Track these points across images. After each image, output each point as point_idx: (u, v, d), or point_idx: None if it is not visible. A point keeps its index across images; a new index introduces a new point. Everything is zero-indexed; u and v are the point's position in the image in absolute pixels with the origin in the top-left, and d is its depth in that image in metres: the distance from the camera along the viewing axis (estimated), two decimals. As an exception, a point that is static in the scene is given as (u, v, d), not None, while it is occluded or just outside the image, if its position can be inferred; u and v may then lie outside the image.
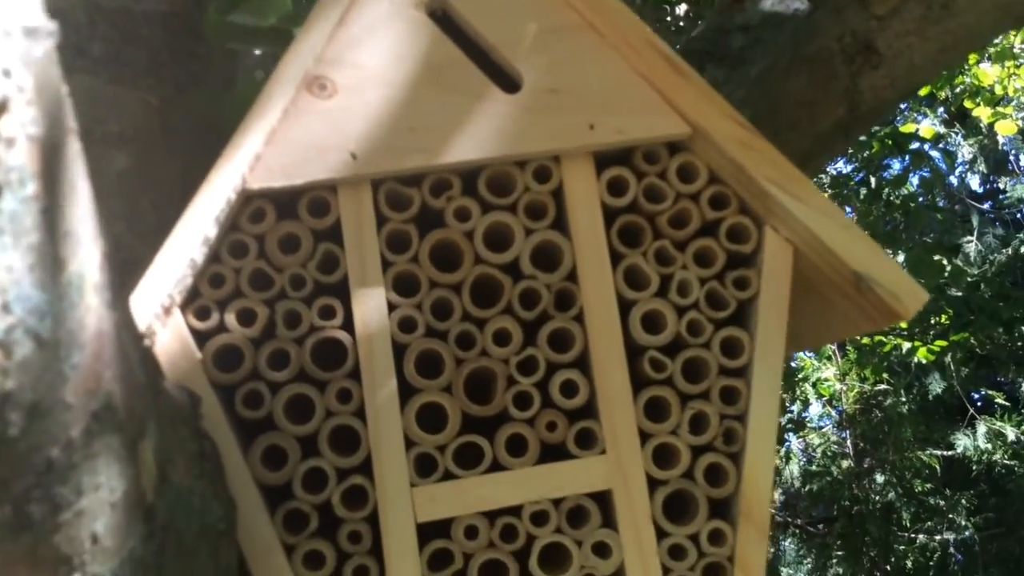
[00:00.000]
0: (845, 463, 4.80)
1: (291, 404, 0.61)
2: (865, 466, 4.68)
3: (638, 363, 0.63)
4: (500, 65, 0.63)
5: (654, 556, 0.60)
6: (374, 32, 0.61)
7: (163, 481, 0.44)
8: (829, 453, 4.90)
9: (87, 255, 0.35)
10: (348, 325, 0.61)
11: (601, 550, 0.61)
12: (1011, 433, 4.63)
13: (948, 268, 3.54)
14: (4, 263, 0.29)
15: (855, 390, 4.71)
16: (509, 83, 0.62)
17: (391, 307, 0.61)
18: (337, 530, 0.60)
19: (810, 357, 4.92)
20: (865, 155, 3.30)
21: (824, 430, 4.98)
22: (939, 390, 4.83)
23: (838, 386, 4.75)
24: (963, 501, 4.84)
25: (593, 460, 0.61)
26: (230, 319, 0.60)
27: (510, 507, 0.60)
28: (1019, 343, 4.08)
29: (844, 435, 4.92)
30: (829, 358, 4.89)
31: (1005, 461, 4.72)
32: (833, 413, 4.94)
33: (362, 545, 0.60)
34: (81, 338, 0.34)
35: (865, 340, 4.44)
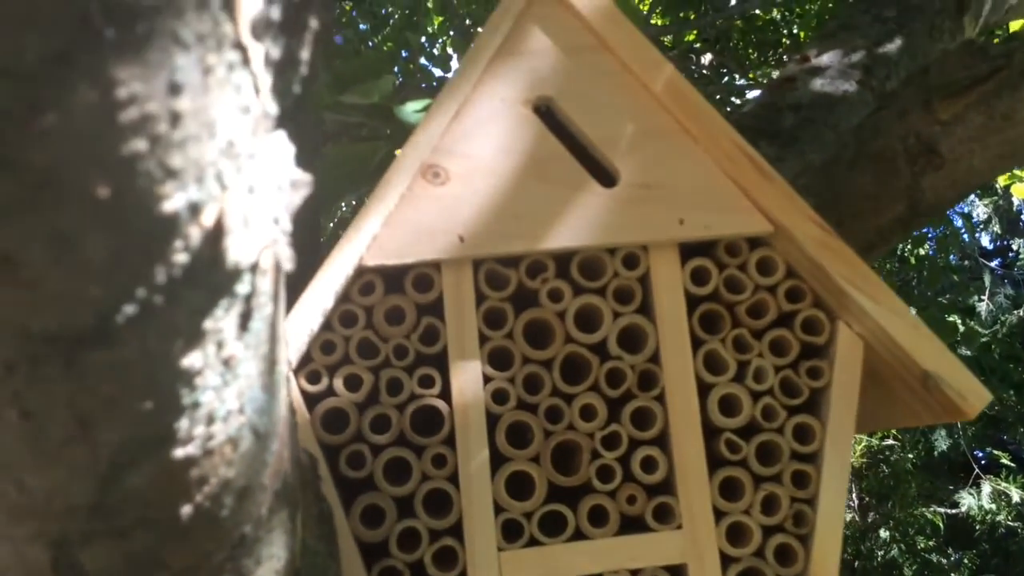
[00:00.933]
0: (849, 517, 4.81)
1: (390, 466, 0.65)
2: (869, 521, 4.69)
3: (714, 444, 0.67)
4: (599, 160, 0.67)
5: (724, 631, 0.64)
6: (485, 126, 0.66)
7: (304, 546, 0.48)
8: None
9: (285, 353, 0.39)
10: (445, 394, 0.65)
11: (675, 621, 0.64)
12: (1016, 495, 4.64)
13: (962, 329, 3.58)
14: (245, 372, 0.33)
15: (862, 444, 4.73)
16: (607, 178, 0.67)
17: (486, 379, 0.66)
18: (429, 591, 0.64)
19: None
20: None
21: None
22: (944, 447, 4.84)
23: (845, 439, 4.76)
24: (965, 560, 4.83)
25: (669, 534, 0.65)
26: (338, 384, 0.65)
27: (590, 575, 0.64)
28: (1029, 406, 4.10)
29: (849, 489, 4.94)
30: (837, 410, 4.89)
31: (1008, 522, 4.72)
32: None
33: (451, 605, 0.63)
34: (279, 427, 0.39)
35: (874, 395, 4.44)
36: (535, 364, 0.67)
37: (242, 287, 0.31)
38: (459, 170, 0.66)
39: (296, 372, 0.64)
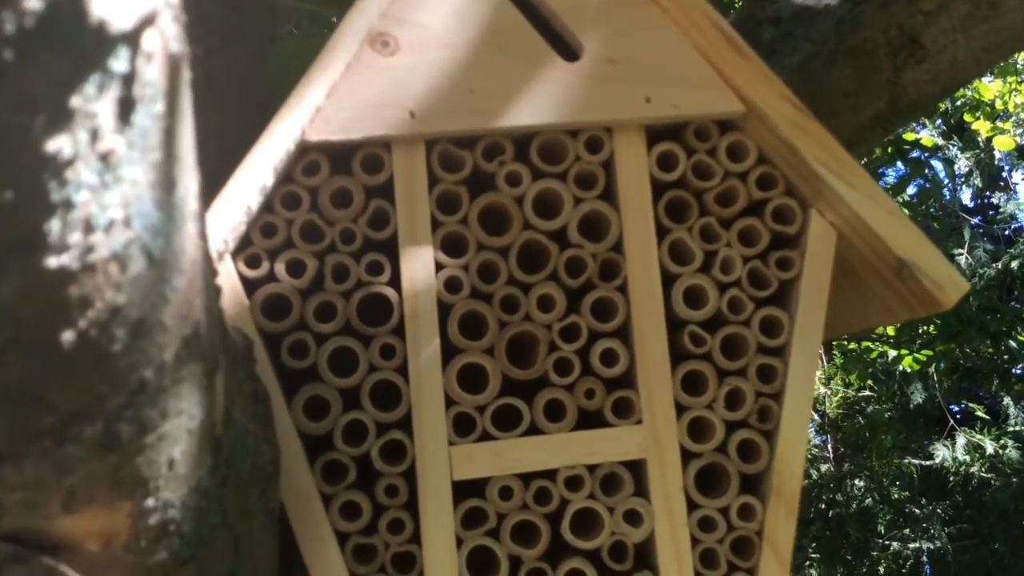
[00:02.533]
0: (824, 467, 4.84)
1: (335, 357, 0.61)
2: (844, 470, 4.73)
3: (678, 337, 0.64)
4: (561, 33, 0.63)
5: (684, 527, 0.61)
6: (439, -8, 0.61)
7: (228, 417, 0.44)
8: (810, 456, 4.94)
9: (190, 181, 0.35)
10: (395, 282, 0.62)
11: (632, 518, 0.62)
12: (990, 446, 4.69)
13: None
14: (130, 176, 0.29)
15: (838, 395, 4.75)
16: (569, 52, 0.63)
17: (438, 267, 0.62)
18: (374, 483, 0.60)
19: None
20: (864, 161, 3.32)
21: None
22: (920, 400, 4.88)
23: (822, 390, 4.79)
24: (939, 511, 4.90)
25: (629, 429, 0.62)
26: (280, 269, 0.61)
27: (545, 471, 0.61)
28: (1005, 356, 4.12)
29: (825, 439, 4.97)
30: (816, 362, 4.92)
31: (982, 474, 4.77)
32: (816, 416, 4.98)
33: (398, 499, 0.60)
34: (182, 262, 0.35)
35: (852, 345, 4.48)
36: (491, 251, 0.63)
37: (118, 64, 0.27)
38: (410, 40, 0.61)
39: (234, 255, 0.60)
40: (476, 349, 0.62)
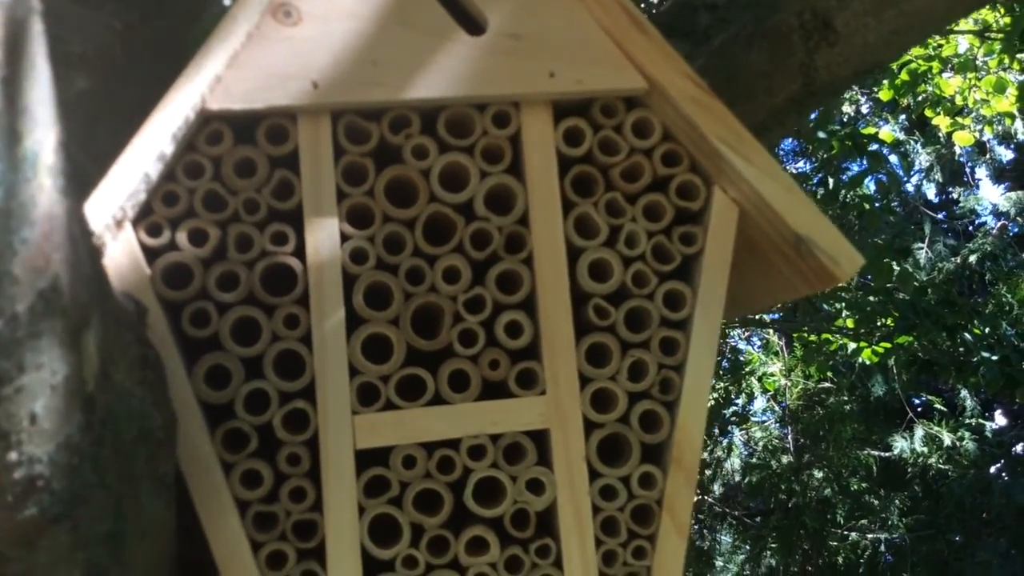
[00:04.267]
0: (785, 458, 4.90)
1: (238, 326, 0.61)
2: (804, 461, 4.79)
3: (583, 310, 0.64)
4: (466, 7, 0.63)
5: (586, 495, 0.62)
6: (343, -37, 0.62)
7: (105, 377, 0.44)
8: (770, 447, 5.00)
9: (43, 136, 0.35)
10: (300, 253, 0.62)
11: (535, 486, 0.62)
12: (947, 438, 4.77)
13: (897, 271, 3.62)
14: (-43, 122, 0.29)
15: (799, 387, 4.80)
16: (474, 26, 0.63)
17: (344, 238, 0.62)
18: (276, 452, 0.61)
19: (758, 351, 5.01)
20: (825, 155, 3.36)
21: (766, 424, 5.08)
22: (880, 392, 4.95)
23: (783, 381, 4.84)
24: (897, 502, 4.97)
25: (532, 400, 0.63)
26: (181, 238, 0.61)
27: (448, 440, 0.62)
28: (960, 349, 4.19)
29: (786, 431, 5.02)
30: (776, 353, 4.98)
31: (940, 465, 4.85)
32: (777, 408, 5.03)
33: (300, 468, 0.61)
34: (32, 215, 0.35)
35: (812, 337, 4.54)
36: (397, 223, 0.63)
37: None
38: (313, 10, 0.61)
39: (135, 223, 0.60)
40: (381, 320, 0.62)
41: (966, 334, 4.04)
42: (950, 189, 5.91)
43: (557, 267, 0.64)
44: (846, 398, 4.77)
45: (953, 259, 5.24)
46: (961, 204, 5.76)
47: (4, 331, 0.35)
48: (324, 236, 0.62)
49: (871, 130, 3.58)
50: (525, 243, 0.64)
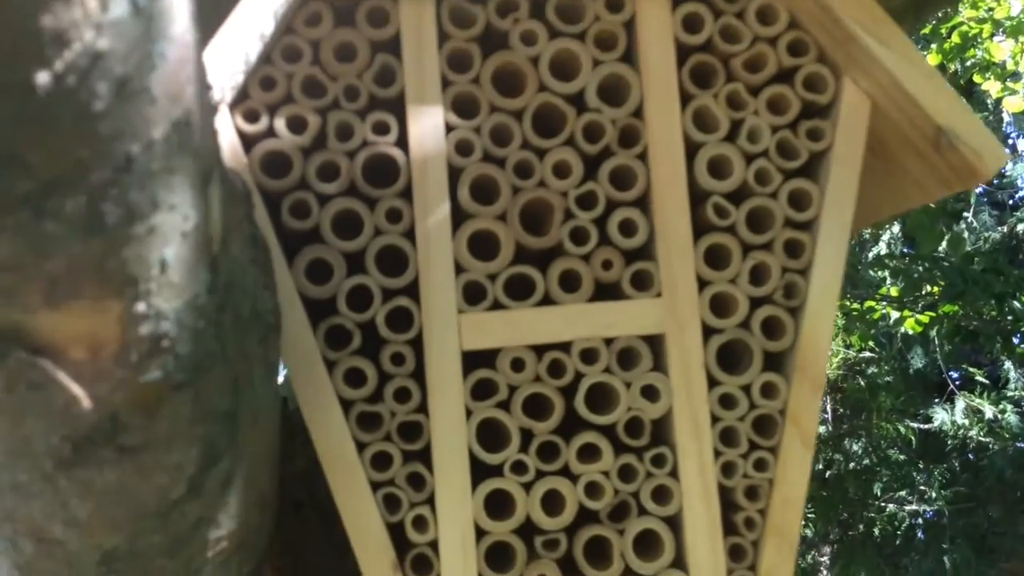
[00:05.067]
0: (823, 428, 4.83)
1: (339, 219, 0.58)
2: (843, 431, 4.72)
3: (701, 209, 0.60)
4: None
5: (704, 403, 0.58)
6: None
7: (225, 243, 0.41)
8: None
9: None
10: (402, 143, 0.58)
11: (650, 393, 0.59)
12: (989, 411, 4.68)
13: (947, 236, 3.54)
14: None
15: (839, 355, 4.73)
16: (590, -101, 0.59)
17: (448, 128, 0.58)
18: (380, 351, 0.57)
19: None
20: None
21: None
22: (920, 365, 4.86)
23: (824, 351, 4.76)
24: (936, 474, 4.90)
25: (648, 302, 0.59)
26: (279, 125, 0.57)
27: (559, 342, 0.58)
28: (1008, 318, 4.10)
29: (824, 401, 4.96)
30: (817, 323, 4.90)
31: (980, 438, 4.77)
32: (816, 378, 4.96)
33: (405, 368, 0.57)
34: (170, 29, 0.31)
35: (854, 306, 4.45)
36: (504, 114, 0.59)
37: None
38: None
39: (232, 108, 0.56)
40: (488, 215, 0.59)
41: (1015, 302, 3.95)
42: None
43: (674, 163, 0.60)
44: (887, 367, 4.69)
45: (1000, 228, 5.13)
46: (1009, 173, 5.62)
47: (140, 159, 0.32)
48: (428, 126, 0.58)
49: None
50: (640, 137, 0.60)
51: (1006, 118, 5.18)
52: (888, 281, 4.20)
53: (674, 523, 0.58)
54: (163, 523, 0.45)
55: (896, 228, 5.50)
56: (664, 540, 0.58)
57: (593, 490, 0.58)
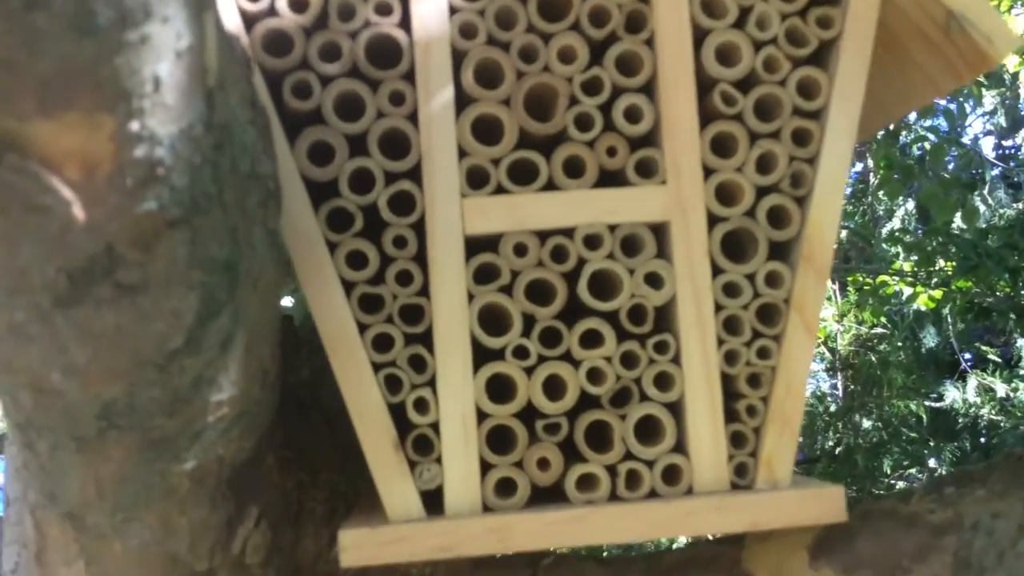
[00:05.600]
0: (834, 406, 4.82)
1: (341, 101, 0.57)
2: (854, 406, 4.71)
3: (708, 96, 0.60)
4: None
5: (708, 291, 0.58)
6: None
7: (222, 89, 0.41)
8: (817, 393, 4.93)
9: None
10: (405, 24, 0.58)
11: (653, 280, 0.58)
12: (1001, 389, 4.65)
13: (963, 208, 3.51)
14: None
15: (851, 331, 4.71)
16: None
17: (452, 10, 0.58)
18: (382, 234, 0.57)
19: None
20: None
21: (815, 372, 5.01)
22: (932, 344, 4.83)
23: (835, 327, 4.75)
24: (946, 452, 4.88)
25: (652, 189, 0.58)
26: (281, 3, 0.57)
27: (563, 228, 0.58)
28: (1022, 293, 4.07)
29: (835, 380, 4.94)
30: (829, 299, 4.89)
31: (992, 416, 4.74)
32: (826, 353, 4.95)
33: (407, 251, 0.57)
34: None
35: (867, 281, 4.43)
36: (510, -2, 0.59)
37: None
38: None
39: (234, -15, 0.56)
40: (492, 99, 0.58)
41: (1028, 277, 3.91)
42: (1013, 141, 5.71)
43: (681, 49, 0.59)
44: (900, 344, 4.67)
45: (1015, 205, 5.09)
46: (1022, 152, 5.57)
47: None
48: (431, 7, 0.58)
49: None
50: (647, 22, 0.59)
51: (1022, 94, 5.12)
52: (901, 256, 4.18)
53: (675, 409, 0.58)
54: (162, 376, 0.45)
55: (911, 205, 5.47)
56: (665, 425, 0.57)
57: (595, 375, 0.58)
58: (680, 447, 0.58)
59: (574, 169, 0.58)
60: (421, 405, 0.57)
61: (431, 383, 0.57)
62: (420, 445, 0.57)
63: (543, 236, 0.58)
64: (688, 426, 0.57)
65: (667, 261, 0.58)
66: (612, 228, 0.58)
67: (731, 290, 0.59)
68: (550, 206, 0.58)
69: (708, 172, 0.59)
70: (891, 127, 3.78)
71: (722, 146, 0.59)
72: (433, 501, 0.57)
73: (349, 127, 0.57)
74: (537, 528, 0.55)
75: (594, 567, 0.64)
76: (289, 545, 0.66)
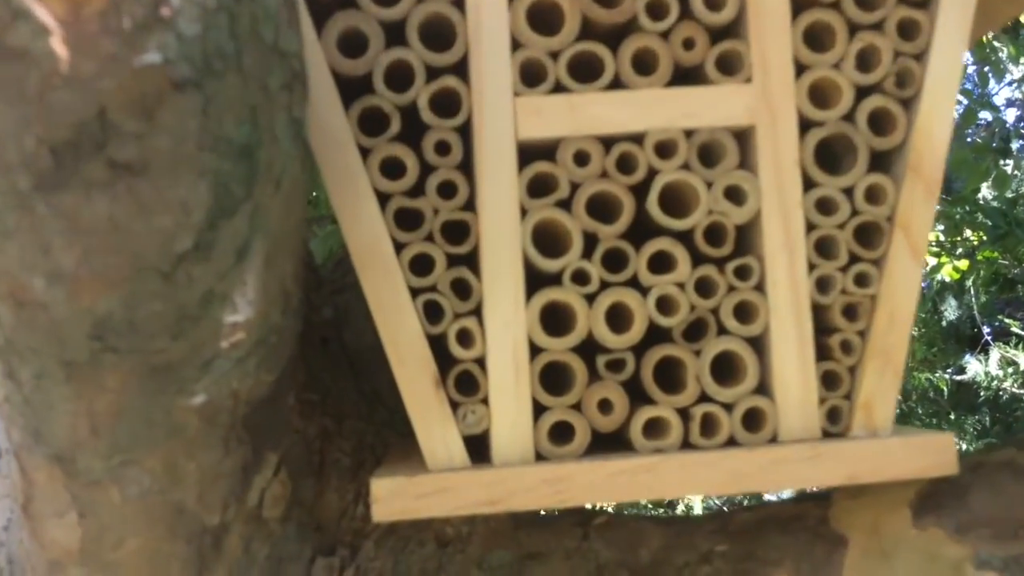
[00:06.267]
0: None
1: (376, -18, 0.49)
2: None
3: (799, -17, 0.51)
4: None
5: (798, 207, 0.50)
6: None
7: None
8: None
9: None
10: None
11: (735, 194, 0.50)
12: (1023, 362, 4.57)
13: (994, 173, 3.42)
14: None
15: (873, 303, 4.62)
16: None
17: None
18: (422, 138, 0.49)
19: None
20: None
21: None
22: (953, 317, 4.74)
23: (856, 298, 4.67)
24: (967, 425, 4.80)
25: (736, 88, 0.50)
26: None
27: (631, 133, 0.50)
28: (1052, 263, 3.97)
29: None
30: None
31: (1014, 389, 4.66)
32: (847, 325, 4.87)
33: (451, 158, 0.49)
34: None
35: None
36: None
37: None
38: None
39: None
40: (550, -17, 0.50)
41: (1059, 246, 3.82)
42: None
43: (769, -73, 0.50)
44: (922, 317, 4.58)
45: (1043, 175, 4.98)
46: (1054, 119, 5.44)
47: None
48: None
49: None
50: None
51: (1054, 61, 4.99)
52: (927, 226, 4.07)
53: (758, 344, 0.50)
54: (167, 286, 0.37)
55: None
56: (746, 363, 0.50)
57: (666, 304, 0.50)
58: (763, 388, 0.50)
59: (645, 64, 0.50)
60: (465, 337, 0.49)
61: (477, 311, 0.49)
62: (464, 383, 0.50)
63: (608, 142, 0.50)
64: (773, 364, 0.50)
65: (751, 172, 0.50)
66: (688, 134, 0.50)
67: (825, 206, 0.51)
68: (617, 108, 0.50)
69: (801, 68, 0.51)
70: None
71: (817, 39, 0.51)
72: (478, 448, 0.50)
73: (386, 12, 0.49)
74: (598, 479, 0.48)
75: (654, 527, 0.57)
76: (310, 499, 0.59)
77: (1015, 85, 5.09)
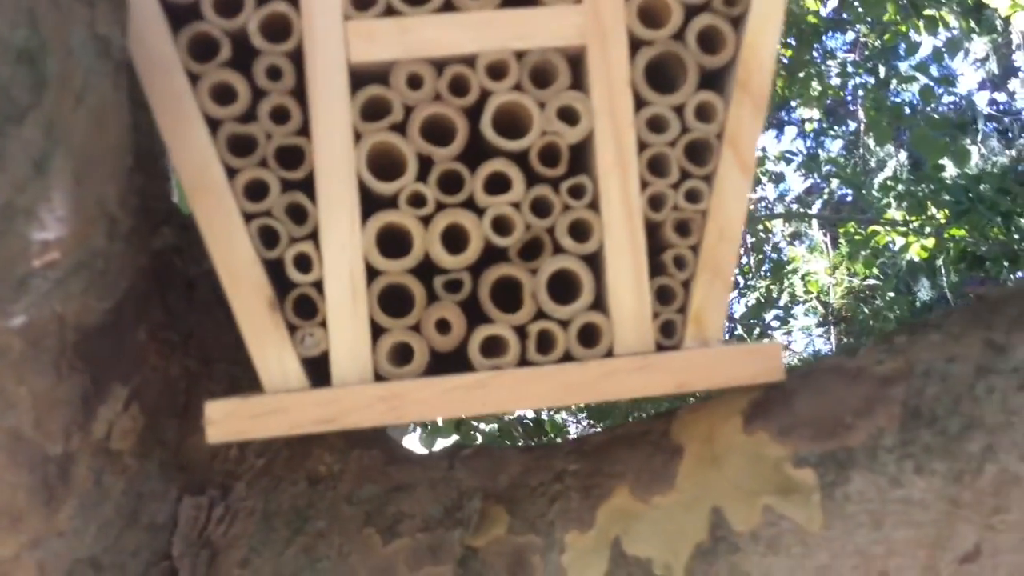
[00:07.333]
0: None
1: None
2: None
3: (628, -94, 0.52)
4: None
5: (629, 126, 0.51)
6: None
7: None
8: (812, 349, 4.89)
9: None
10: None
11: (568, 115, 0.51)
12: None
13: (952, 148, 3.44)
14: None
15: (843, 284, 4.65)
16: None
17: None
18: (253, 63, 0.50)
19: (799, 248, 4.87)
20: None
21: (808, 327, 4.95)
22: (927, 298, 4.77)
23: (827, 280, 4.69)
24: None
25: (566, 9, 0.51)
26: None
27: (463, 55, 0.50)
28: (1015, 237, 4.00)
29: (829, 330, 4.88)
30: (820, 251, 4.83)
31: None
32: (819, 307, 4.89)
33: (282, 83, 0.50)
34: None
35: (858, 232, 4.37)
36: None
37: None
38: None
39: None
40: (378, -90, 0.50)
41: (1021, 220, 3.87)
42: (1008, 97, 5.63)
43: None
44: (893, 295, 4.61)
45: (1008, 152, 5.02)
46: (1018, 97, 5.48)
47: None
48: None
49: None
50: None
51: (1015, 40, 5.02)
52: (893, 206, 4.12)
53: (594, 262, 0.51)
54: (-43, 193, 0.38)
55: (903, 156, 5.37)
56: (582, 280, 0.50)
57: (501, 224, 0.51)
58: (599, 304, 0.51)
59: (475, -11, 0.51)
60: (302, 261, 0.50)
61: (313, 236, 0.50)
62: (302, 307, 0.50)
63: (440, 65, 0.50)
64: (608, 281, 0.50)
65: (583, 92, 0.51)
66: (520, 55, 0.51)
67: (656, 125, 0.51)
68: (449, 30, 0.50)
69: (630, -10, 0.51)
70: (881, 76, 3.73)
71: (646, -39, 0.52)
72: (318, 371, 0.50)
73: (212, -60, 0.49)
74: (434, 395, 0.49)
75: (516, 454, 0.58)
76: (176, 440, 0.59)
77: (977, 65, 5.12)
